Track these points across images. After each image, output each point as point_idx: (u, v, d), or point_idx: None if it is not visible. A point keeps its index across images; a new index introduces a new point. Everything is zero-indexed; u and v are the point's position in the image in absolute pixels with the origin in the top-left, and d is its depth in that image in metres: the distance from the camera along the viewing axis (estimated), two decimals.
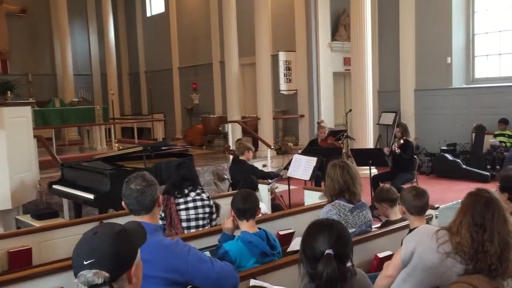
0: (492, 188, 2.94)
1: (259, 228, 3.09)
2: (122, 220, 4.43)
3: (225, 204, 4.69)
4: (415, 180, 7.48)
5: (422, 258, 2.46)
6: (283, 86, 12.05)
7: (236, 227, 3.12)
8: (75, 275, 1.47)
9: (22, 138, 6.50)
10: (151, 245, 2.27)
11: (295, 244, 3.62)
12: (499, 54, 10.59)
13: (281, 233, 3.95)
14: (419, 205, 3.30)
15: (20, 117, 6.54)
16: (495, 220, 2.33)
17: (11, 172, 6.09)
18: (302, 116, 11.99)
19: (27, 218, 5.77)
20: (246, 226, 3.03)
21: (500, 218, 2.35)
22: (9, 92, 14.44)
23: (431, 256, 2.42)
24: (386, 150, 7.60)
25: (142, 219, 2.47)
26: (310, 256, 2.00)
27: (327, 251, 1.94)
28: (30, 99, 13.31)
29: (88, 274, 1.44)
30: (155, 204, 2.52)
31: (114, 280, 1.46)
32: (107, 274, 1.44)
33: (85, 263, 1.44)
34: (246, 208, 3.03)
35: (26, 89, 16.02)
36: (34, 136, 7.16)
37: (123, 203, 2.55)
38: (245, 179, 5.06)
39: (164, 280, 2.34)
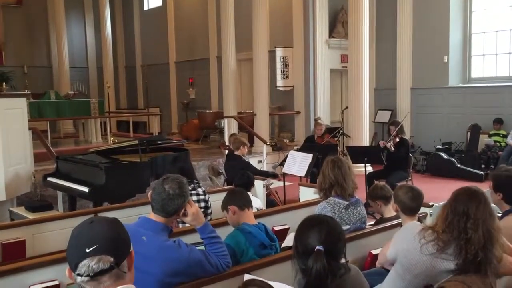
0: (485, 187, 2.94)
1: (258, 223, 3.13)
2: (117, 213, 4.46)
3: (220, 199, 4.68)
4: (410, 179, 7.48)
5: (406, 257, 2.49)
6: (279, 82, 12.05)
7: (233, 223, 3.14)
8: (75, 266, 1.44)
9: (17, 130, 6.48)
10: (154, 243, 2.32)
11: (290, 240, 3.63)
12: (496, 54, 10.61)
13: (276, 228, 3.95)
14: (414, 207, 3.31)
15: (15, 109, 6.53)
16: (480, 210, 2.31)
17: (6, 163, 6.08)
18: (298, 112, 11.99)
19: (21, 210, 5.76)
20: (246, 218, 3.06)
21: (486, 209, 2.33)
22: (4, 83, 14.36)
23: (415, 256, 2.43)
24: (381, 143, 7.59)
25: (156, 217, 2.49)
26: (302, 252, 2.02)
27: (317, 247, 1.95)
28: (26, 91, 13.26)
29: (92, 262, 1.42)
30: (176, 213, 2.52)
31: (117, 265, 1.46)
32: (111, 259, 1.43)
33: (87, 250, 1.43)
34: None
35: (21, 80, 15.89)
36: (29, 128, 7.14)
37: (149, 194, 2.57)
38: (241, 175, 5.02)
39: (160, 278, 2.38)
